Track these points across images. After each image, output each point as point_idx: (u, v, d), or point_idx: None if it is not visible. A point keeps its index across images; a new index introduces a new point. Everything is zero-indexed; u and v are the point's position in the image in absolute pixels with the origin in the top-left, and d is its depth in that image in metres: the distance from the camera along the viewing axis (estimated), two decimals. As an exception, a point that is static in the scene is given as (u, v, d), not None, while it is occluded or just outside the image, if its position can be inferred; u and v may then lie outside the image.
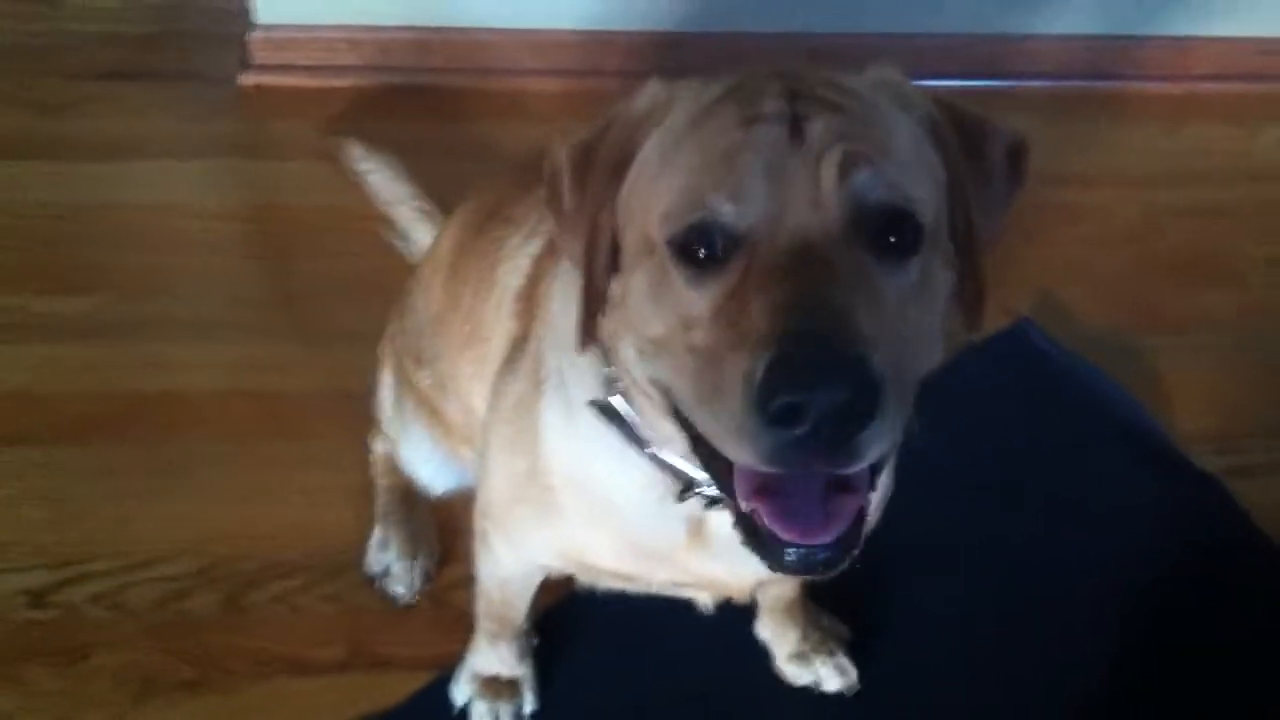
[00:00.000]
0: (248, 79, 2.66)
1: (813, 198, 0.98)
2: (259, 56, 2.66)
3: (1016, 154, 1.14)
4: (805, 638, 1.79)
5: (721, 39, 2.66)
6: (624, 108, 1.11)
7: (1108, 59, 2.84)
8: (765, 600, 1.76)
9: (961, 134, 1.09)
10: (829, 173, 0.98)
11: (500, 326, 1.43)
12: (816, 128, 1.00)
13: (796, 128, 1.00)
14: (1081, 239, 2.51)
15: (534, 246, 1.41)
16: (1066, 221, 2.51)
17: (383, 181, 2.19)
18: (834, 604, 1.83)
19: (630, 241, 1.07)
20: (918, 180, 1.03)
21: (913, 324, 1.00)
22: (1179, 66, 2.85)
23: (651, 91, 1.10)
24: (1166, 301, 2.42)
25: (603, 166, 1.08)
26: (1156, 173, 2.68)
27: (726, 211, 0.98)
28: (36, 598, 1.84)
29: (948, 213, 1.07)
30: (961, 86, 2.67)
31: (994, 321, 2.15)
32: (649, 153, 1.07)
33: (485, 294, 1.48)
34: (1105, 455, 2.10)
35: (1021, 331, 2.27)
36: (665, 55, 2.63)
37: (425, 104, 2.64)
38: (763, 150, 0.99)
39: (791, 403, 0.89)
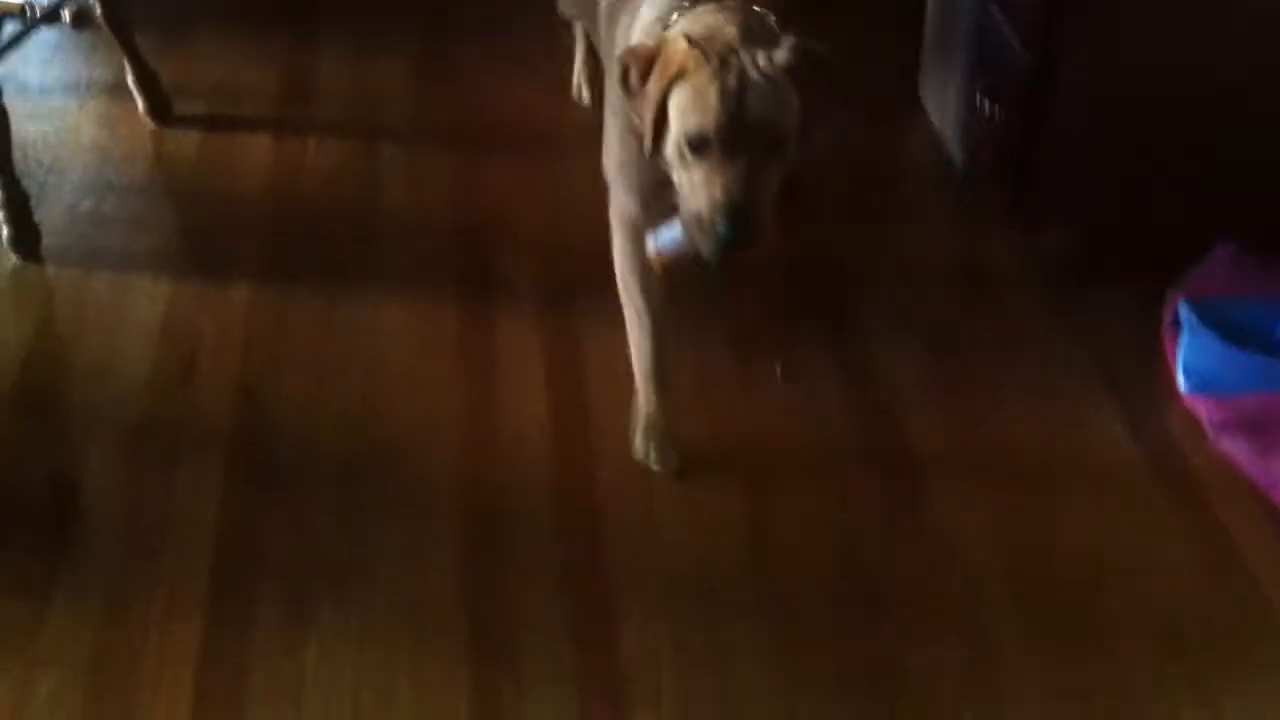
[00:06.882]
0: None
1: (741, 123, 2.02)
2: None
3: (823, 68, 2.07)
4: None
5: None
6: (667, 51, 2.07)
7: None
8: None
9: (813, 73, 2.07)
10: (750, 110, 2.02)
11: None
12: (749, 95, 2.03)
13: (742, 87, 2.02)
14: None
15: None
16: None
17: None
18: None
19: (671, 130, 2.08)
20: (786, 112, 2.07)
21: (774, 184, 2.09)
22: None
23: (680, 52, 2.06)
24: None
25: (656, 86, 2.07)
26: None
27: (702, 127, 2.03)
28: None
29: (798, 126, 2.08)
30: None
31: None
32: (679, 94, 2.09)
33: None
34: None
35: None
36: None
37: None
38: (720, 100, 2.03)
39: (721, 230, 2.01)
